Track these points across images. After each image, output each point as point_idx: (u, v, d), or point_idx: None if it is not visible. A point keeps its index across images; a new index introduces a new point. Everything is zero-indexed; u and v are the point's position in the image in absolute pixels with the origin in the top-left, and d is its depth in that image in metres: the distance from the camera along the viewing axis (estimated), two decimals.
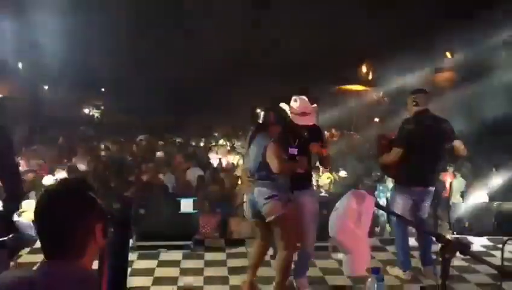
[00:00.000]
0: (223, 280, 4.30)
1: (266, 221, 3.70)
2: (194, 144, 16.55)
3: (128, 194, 7.46)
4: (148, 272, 4.44)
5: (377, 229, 7.31)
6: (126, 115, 24.23)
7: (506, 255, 3.88)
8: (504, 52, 14.63)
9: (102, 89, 30.28)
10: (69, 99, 24.76)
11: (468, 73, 16.17)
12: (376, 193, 8.08)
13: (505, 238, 2.32)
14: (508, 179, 8.73)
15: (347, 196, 2.20)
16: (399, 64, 15.76)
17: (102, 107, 31.06)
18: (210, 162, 11.68)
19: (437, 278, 3.87)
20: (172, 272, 4.46)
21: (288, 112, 3.90)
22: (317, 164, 4.52)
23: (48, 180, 7.83)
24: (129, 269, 4.17)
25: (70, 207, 1.39)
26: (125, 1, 20.29)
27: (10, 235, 3.61)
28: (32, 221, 5.54)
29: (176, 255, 4.88)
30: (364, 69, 26.23)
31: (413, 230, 4.87)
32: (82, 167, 9.91)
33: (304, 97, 4.03)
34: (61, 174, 8.48)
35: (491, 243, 5.44)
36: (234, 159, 12.40)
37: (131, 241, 4.85)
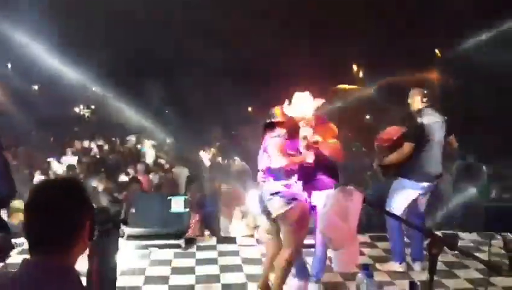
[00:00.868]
0: (215, 278, 4.30)
1: (272, 217, 3.74)
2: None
3: (119, 193, 7.45)
4: (139, 271, 4.42)
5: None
6: (117, 114, 24.11)
7: (496, 250, 3.91)
8: (492, 49, 14.76)
9: (93, 89, 30.09)
10: (59, 99, 24.58)
11: (457, 71, 16.33)
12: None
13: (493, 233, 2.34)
14: (497, 176, 8.83)
15: (335, 192, 2.22)
16: (389, 63, 15.85)
17: (93, 107, 30.87)
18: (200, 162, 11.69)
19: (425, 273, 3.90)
20: (164, 271, 4.45)
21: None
22: None
23: (34, 179, 7.80)
24: (120, 269, 4.16)
25: (60, 202, 1.39)
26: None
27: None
28: (21, 221, 5.51)
29: (167, 254, 4.87)
30: (354, 68, 26.33)
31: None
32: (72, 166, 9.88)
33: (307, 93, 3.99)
34: (51, 173, 8.45)
35: (481, 239, 5.48)
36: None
37: (121, 240, 4.84)
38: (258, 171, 3.88)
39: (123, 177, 8.95)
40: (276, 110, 3.91)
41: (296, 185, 3.72)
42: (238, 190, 7.73)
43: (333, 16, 20.17)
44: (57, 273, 1.35)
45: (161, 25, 22.25)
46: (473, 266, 4.50)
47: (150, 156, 13.05)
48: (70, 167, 9.64)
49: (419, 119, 4.41)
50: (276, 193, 3.64)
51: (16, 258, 4.52)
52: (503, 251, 1.75)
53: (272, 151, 3.64)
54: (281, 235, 3.78)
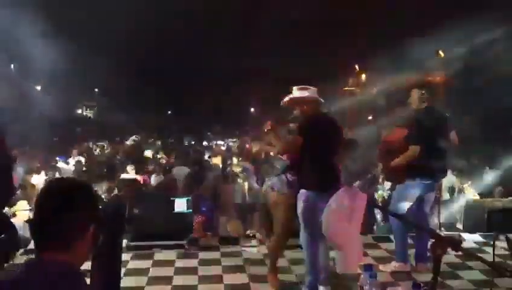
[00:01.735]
0: (218, 279, 4.30)
1: None
2: (186, 143, 16.60)
3: (122, 193, 7.45)
4: (142, 272, 4.42)
5: (375, 228, 7.32)
6: (119, 115, 24.18)
7: (500, 251, 3.90)
8: (496, 49, 14.72)
9: (96, 90, 30.18)
10: (62, 100, 24.65)
11: (461, 71, 16.28)
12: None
13: (496, 234, 2.34)
14: (500, 177, 8.82)
15: (339, 192, 2.22)
16: (390, 65, 15.84)
17: (96, 108, 30.98)
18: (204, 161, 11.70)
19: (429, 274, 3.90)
20: (167, 271, 4.45)
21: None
22: None
23: (38, 179, 7.81)
24: (123, 269, 4.17)
25: (68, 203, 1.41)
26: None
27: (2, 235, 3.56)
28: (25, 221, 5.52)
29: (170, 254, 4.87)
30: (356, 69, 26.31)
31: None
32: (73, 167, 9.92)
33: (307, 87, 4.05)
34: (54, 173, 8.45)
35: (484, 240, 5.47)
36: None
37: (125, 241, 4.85)
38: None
39: (125, 177, 8.96)
40: None
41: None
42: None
43: (331, 15, 20.18)
44: (61, 271, 1.36)
45: (163, 25, 22.30)
46: (477, 267, 4.48)
47: (151, 156, 13.10)
48: (77, 166, 9.69)
49: (419, 120, 4.41)
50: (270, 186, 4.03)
51: (20, 258, 4.54)
52: (507, 252, 1.75)
53: (273, 142, 4.05)
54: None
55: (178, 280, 4.26)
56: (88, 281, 1.58)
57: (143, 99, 23.82)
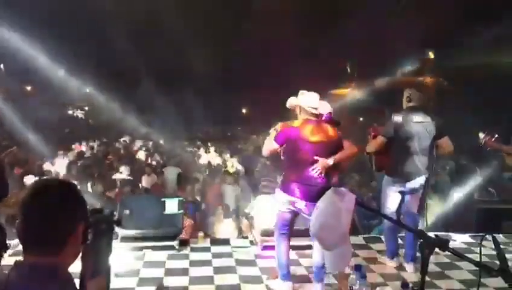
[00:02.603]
0: (209, 280, 4.30)
1: None
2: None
3: (112, 194, 7.42)
4: (133, 273, 4.41)
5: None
6: (111, 115, 24.04)
7: (488, 252, 3.94)
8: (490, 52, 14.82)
9: (87, 90, 29.96)
10: (52, 100, 24.48)
11: (452, 73, 16.39)
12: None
13: (484, 234, 2.36)
14: (489, 178, 8.88)
15: (328, 193, 2.24)
16: (382, 65, 15.92)
17: (87, 108, 30.76)
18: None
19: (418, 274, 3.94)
20: (158, 272, 4.44)
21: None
22: None
23: (30, 180, 7.74)
24: (113, 270, 4.15)
25: (55, 204, 1.40)
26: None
27: None
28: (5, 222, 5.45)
29: (161, 255, 4.86)
30: (348, 70, 26.37)
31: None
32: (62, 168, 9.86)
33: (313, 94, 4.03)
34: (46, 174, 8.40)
35: (473, 240, 5.52)
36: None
37: (115, 241, 4.83)
38: None
39: (116, 178, 8.93)
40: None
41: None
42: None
43: (328, 14, 20.21)
44: (50, 274, 1.35)
45: (158, 28, 22.22)
46: (465, 267, 4.54)
47: (142, 157, 13.07)
48: (67, 167, 9.63)
49: (395, 118, 4.51)
50: None
51: (8, 259, 4.50)
52: (494, 252, 1.78)
53: None
54: None
55: (169, 281, 4.25)
56: (77, 282, 1.57)
57: (136, 99, 23.70)
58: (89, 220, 1.50)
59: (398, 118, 4.51)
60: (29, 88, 25.99)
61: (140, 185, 9.07)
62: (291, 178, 3.86)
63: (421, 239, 1.85)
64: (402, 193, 4.61)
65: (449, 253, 1.88)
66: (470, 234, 5.68)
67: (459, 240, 5.53)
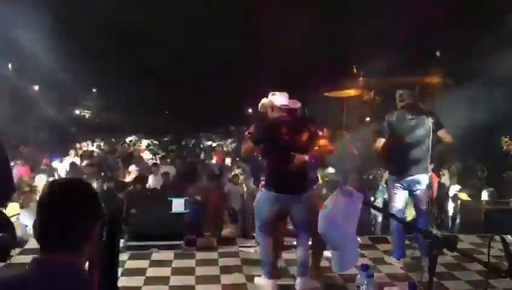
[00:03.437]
0: (215, 279, 4.30)
1: None
2: (184, 143, 16.61)
3: (119, 194, 7.44)
4: (139, 272, 4.42)
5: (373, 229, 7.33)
6: (117, 114, 24.16)
7: (496, 253, 3.92)
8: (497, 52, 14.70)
9: (94, 90, 30.13)
10: (59, 100, 24.60)
11: (460, 73, 16.25)
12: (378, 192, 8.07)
13: (492, 235, 2.34)
14: (496, 179, 8.83)
15: (335, 193, 2.23)
16: (389, 65, 15.85)
17: (93, 108, 30.92)
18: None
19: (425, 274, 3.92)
20: (164, 272, 4.46)
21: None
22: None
23: (40, 179, 7.79)
24: (120, 270, 4.17)
25: (78, 203, 1.41)
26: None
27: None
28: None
29: (168, 254, 4.87)
30: (354, 71, 26.26)
31: None
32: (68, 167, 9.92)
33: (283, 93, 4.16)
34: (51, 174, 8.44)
35: (480, 241, 5.48)
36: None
37: (122, 241, 4.85)
38: None
39: (124, 178, 8.97)
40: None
41: None
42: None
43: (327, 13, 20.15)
44: (70, 272, 1.36)
45: (161, 29, 22.30)
46: (473, 268, 4.51)
47: (147, 156, 13.10)
48: (73, 167, 9.68)
49: (389, 118, 4.64)
50: None
51: (17, 258, 4.53)
52: (502, 253, 1.76)
53: None
54: None
55: (175, 280, 4.26)
56: None
57: (141, 99, 23.78)
58: (103, 218, 1.51)
59: (391, 118, 4.65)
60: (36, 88, 26.09)
61: (147, 184, 9.09)
62: (270, 175, 4.00)
63: (428, 239, 1.84)
64: (408, 191, 4.64)
65: (457, 253, 1.87)
66: (477, 235, 5.64)
67: (466, 241, 5.49)
